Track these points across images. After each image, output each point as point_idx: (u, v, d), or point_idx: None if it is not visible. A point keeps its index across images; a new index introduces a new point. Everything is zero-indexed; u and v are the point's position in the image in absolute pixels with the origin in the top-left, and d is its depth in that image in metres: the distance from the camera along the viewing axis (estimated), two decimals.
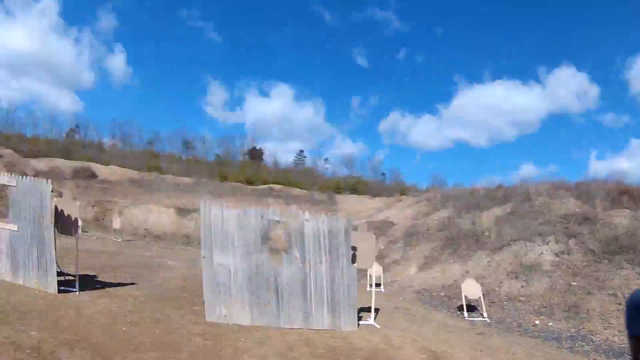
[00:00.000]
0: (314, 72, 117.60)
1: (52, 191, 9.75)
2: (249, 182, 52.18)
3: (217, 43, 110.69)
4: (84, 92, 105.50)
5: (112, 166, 48.15)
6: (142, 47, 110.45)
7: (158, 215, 32.98)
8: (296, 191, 47.74)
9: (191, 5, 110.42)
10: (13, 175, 10.27)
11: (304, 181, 56.25)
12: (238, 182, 51.36)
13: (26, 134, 61.63)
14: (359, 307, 9.80)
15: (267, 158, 75.59)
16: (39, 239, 9.59)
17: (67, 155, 49.07)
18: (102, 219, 32.11)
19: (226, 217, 9.17)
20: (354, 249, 9.50)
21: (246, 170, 58.74)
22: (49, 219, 9.53)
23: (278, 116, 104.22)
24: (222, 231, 9.16)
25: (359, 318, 9.85)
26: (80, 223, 10.25)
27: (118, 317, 8.00)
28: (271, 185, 50.18)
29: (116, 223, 28.38)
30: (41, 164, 41.58)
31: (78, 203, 11.98)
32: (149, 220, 33.49)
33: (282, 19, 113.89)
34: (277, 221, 9.57)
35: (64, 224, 10.07)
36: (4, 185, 10.68)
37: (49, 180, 9.89)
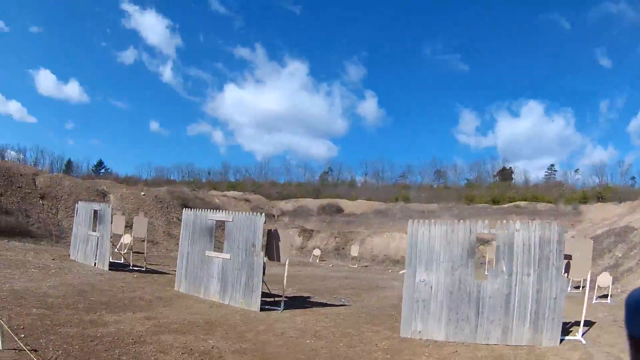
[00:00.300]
0: (562, 83, 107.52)
1: (264, 223, 11.63)
2: (495, 202, 51.39)
3: (464, 72, 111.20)
4: (338, 138, 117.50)
5: (359, 200, 52.47)
6: (391, 88, 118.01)
7: (399, 241, 34.21)
8: (541, 206, 44.61)
9: (435, 39, 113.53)
10: (262, 214, 12.46)
11: (550, 195, 52.82)
12: (485, 203, 50.92)
13: (279, 181, 72.43)
14: (575, 320, 9.20)
15: (517, 177, 73.27)
16: (248, 265, 11.57)
17: (316, 195, 55.93)
18: (343, 249, 35.21)
19: (433, 235, 9.55)
20: (568, 257, 9.02)
21: (493, 191, 58.12)
22: (259, 248, 11.40)
23: (529, 134, 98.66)
24: (427, 248, 9.54)
25: (567, 332, 9.21)
26: (292, 250, 11.93)
27: (307, 332, 8.89)
28: (517, 203, 48.27)
29: (354, 251, 31.11)
30: (289, 204, 48.22)
31: (291, 232, 13.77)
32: (390, 246, 35.18)
33: (520, 34, 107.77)
34: (487, 234, 9.49)
35: (273, 251, 11.86)
36: (223, 222, 12.97)
37: (263, 214, 11.94)
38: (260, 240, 11.91)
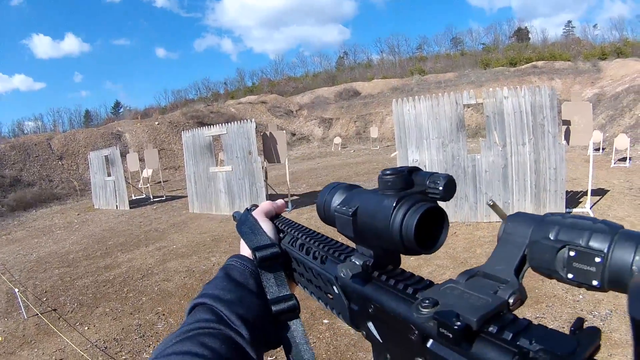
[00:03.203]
0: None
1: (256, 127, 11.48)
2: (512, 64, 49.29)
3: None
4: (349, 20, 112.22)
5: (375, 80, 51.04)
6: None
7: None
8: (559, 64, 42.38)
9: None
10: (252, 120, 12.43)
11: (568, 53, 50.32)
12: (501, 66, 49.00)
13: (296, 75, 71.14)
14: (589, 189, 8.72)
15: (534, 36, 71.00)
16: (249, 172, 11.57)
17: (332, 82, 54.29)
18: (363, 132, 34.83)
19: (419, 111, 9.16)
20: (566, 123, 8.52)
21: (509, 53, 55.92)
22: (256, 153, 11.35)
23: None
24: (415, 126, 9.21)
25: (577, 204, 8.91)
26: (285, 150, 11.79)
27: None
28: (534, 63, 46.03)
29: (374, 132, 30.68)
30: (305, 97, 47.29)
31: (284, 132, 13.48)
32: None
33: None
34: (473, 104, 9.14)
35: (272, 154, 11.78)
36: (219, 136, 12.87)
37: (253, 120, 11.68)
38: (255, 146, 11.85)
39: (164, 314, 6.18)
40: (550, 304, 5.22)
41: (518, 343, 0.35)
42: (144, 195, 19.45)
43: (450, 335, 0.37)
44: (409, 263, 6.59)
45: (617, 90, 24.79)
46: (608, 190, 10.39)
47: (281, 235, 0.80)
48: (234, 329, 0.62)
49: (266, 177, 11.74)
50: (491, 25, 79.10)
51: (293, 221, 0.82)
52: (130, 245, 10.48)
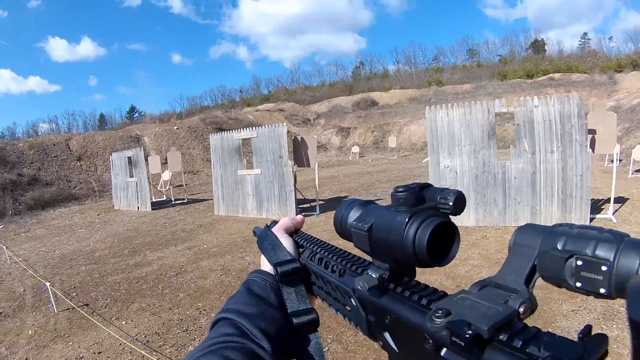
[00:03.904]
0: None
1: (287, 132, 11.45)
2: (529, 76, 49.83)
3: None
4: (364, 29, 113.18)
5: (392, 90, 51.26)
6: None
7: None
8: (575, 76, 42.54)
9: None
10: (284, 124, 12.32)
11: (584, 65, 50.76)
12: (518, 78, 49.55)
13: (312, 84, 71.53)
14: (608, 197, 8.96)
15: (551, 48, 71.36)
16: (279, 175, 11.53)
17: (349, 91, 54.50)
18: (381, 141, 34.76)
19: (451, 118, 9.23)
20: (592, 132, 8.69)
21: (526, 65, 56.56)
22: (287, 157, 11.29)
23: (559, 0, 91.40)
24: (448, 132, 9.29)
25: (598, 211, 9.08)
26: (315, 155, 11.70)
27: None
28: (551, 75, 46.32)
29: (392, 142, 30.53)
30: (322, 106, 47.43)
31: (315, 137, 13.45)
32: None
33: None
34: (505, 113, 9.21)
35: (302, 158, 11.72)
36: (249, 139, 12.86)
37: (285, 124, 11.64)
38: (286, 149, 11.77)
39: (205, 310, 6.01)
40: (585, 299, 5.19)
41: (527, 350, 0.36)
42: (165, 198, 19.39)
43: (462, 344, 0.38)
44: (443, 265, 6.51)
45: (633, 103, 24.57)
46: (628, 199, 10.42)
47: (300, 250, 0.82)
48: (256, 343, 0.64)
49: (295, 181, 11.62)
50: (507, 36, 79.29)
51: (312, 236, 0.84)
52: (158, 245, 10.35)
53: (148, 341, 5.19)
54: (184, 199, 18.32)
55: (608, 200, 9.30)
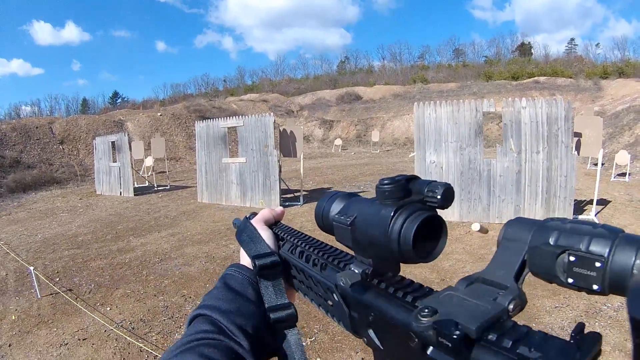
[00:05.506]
0: None
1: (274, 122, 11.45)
2: (515, 78, 50.80)
3: None
4: (351, 25, 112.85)
5: (377, 86, 51.32)
6: None
7: None
8: (561, 81, 43.22)
9: None
10: (271, 114, 12.39)
11: (570, 70, 51.97)
12: (503, 79, 50.37)
13: (296, 76, 71.39)
14: (590, 199, 9.24)
15: (537, 52, 73.28)
16: (264, 165, 11.54)
17: (334, 85, 54.47)
18: (364, 135, 34.88)
19: (439, 115, 9.37)
20: (578, 135, 8.92)
21: (511, 67, 57.83)
22: (272, 146, 11.30)
23: (548, 5, 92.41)
24: (435, 129, 9.43)
25: (581, 211, 9.34)
26: (302, 146, 11.73)
27: None
28: (536, 78, 46.98)
29: (375, 136, 30.69)
30: (306, 98, 47.39)
31: (301, 128, 13.47)
32: (411, 129, 34.56)
33: None
34: (490, 113, 9.38)
35: (289, 148, 11.73)
36: (235, 128, 12.81)
37: (272, 114, 11.64)
38: (272, 139, 11.77)
39: (190, 297, 6.04)
40: (568, 295, 5.39)
41: (518, 351, 0.35)
42: (148, 184, 19.25)
43: (450, 345, 0.37)
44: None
45: (618, 109, 25.08)
46: (610, 201, 10.71)
47: (280, 242, 0.80)
48: (233, 339, 0.62)
49: (280, 171, 11.65)
50: (494, 38, 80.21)
51: (292, 228, 0.82)
52: (141, 231, 10.30)
53: (133, 328, 5.21)
54: (166, 186, 18.24)
55: (591, 202, 9.54)
